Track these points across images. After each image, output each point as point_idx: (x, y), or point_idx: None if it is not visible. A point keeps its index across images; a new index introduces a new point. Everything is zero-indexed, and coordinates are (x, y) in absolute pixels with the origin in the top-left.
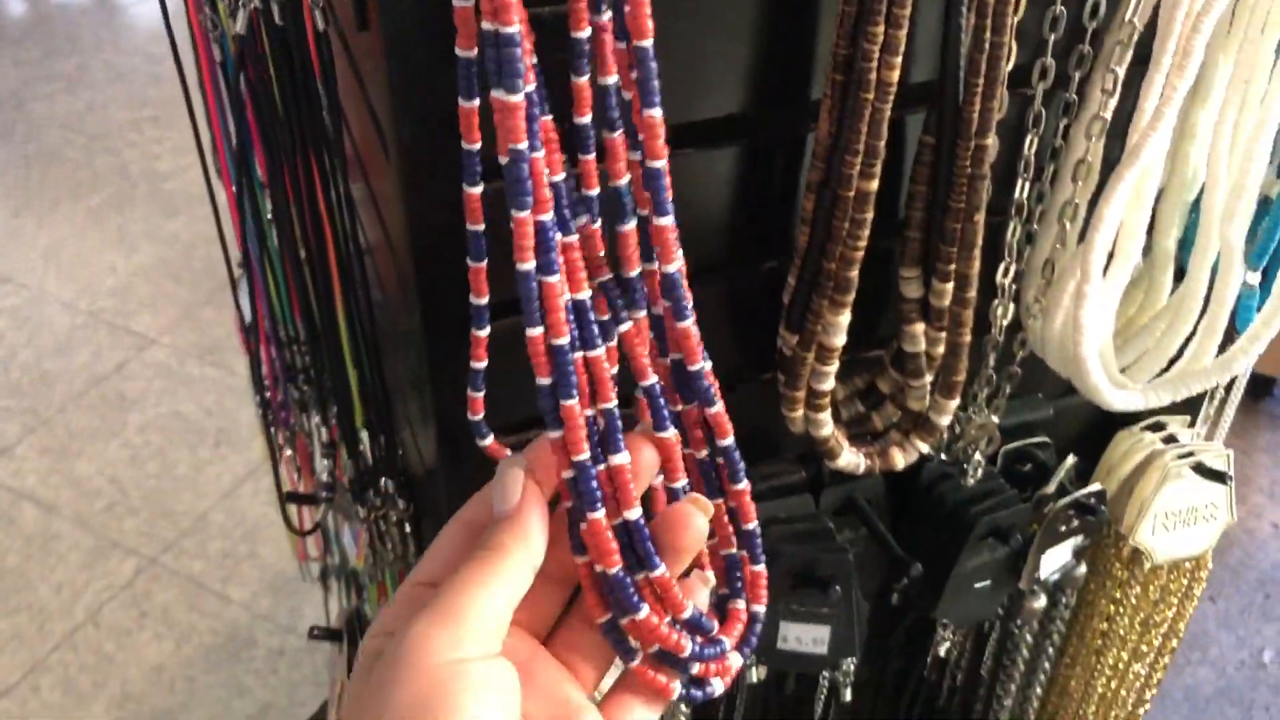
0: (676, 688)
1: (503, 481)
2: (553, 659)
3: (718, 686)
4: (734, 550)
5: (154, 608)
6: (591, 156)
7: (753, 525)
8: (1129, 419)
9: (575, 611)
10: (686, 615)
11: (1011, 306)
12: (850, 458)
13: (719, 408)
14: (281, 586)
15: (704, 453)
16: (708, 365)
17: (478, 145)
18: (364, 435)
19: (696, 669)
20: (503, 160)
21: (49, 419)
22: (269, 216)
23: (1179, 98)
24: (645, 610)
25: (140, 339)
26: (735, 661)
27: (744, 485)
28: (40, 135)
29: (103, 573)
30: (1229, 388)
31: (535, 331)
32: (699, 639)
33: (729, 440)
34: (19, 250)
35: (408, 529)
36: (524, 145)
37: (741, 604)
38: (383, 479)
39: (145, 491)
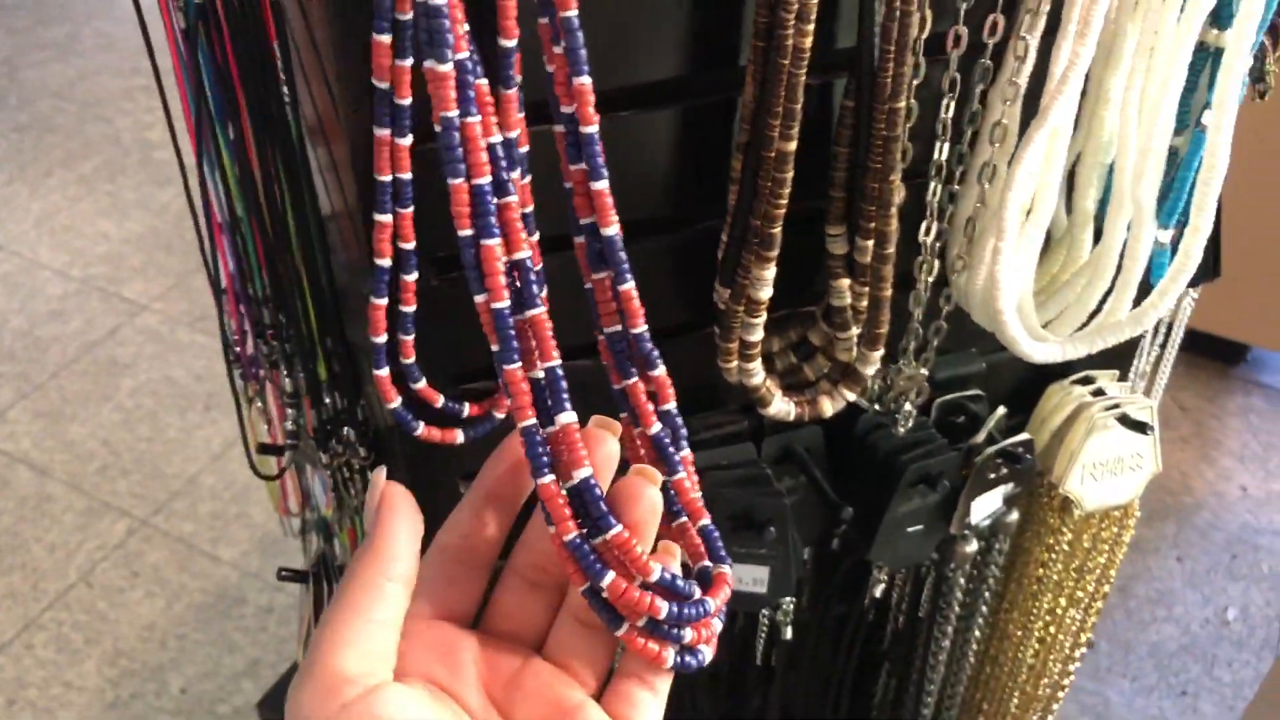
0: (670, 656)
1: (367, 503)
2: (547, 664)
3: (707, 654)
4: (707, 520)
5: (145, 567)
6: (522, 116)
7: (696, 495)
8: (1060, 373)
9: (565, 615)
10: (655, 578)
11: (937, 263)
12: (781, 405)
13: (661, 371)
14: (270, 546)
15: (655, 428)
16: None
17: (387, 85)
18: (327, 388)
19: (689, 636)
20: (437, 128)
21: (42, 384)
22: (236, 180)
23: (1082, 64)
24: (610, 575)
25: (132, 305)
26: (717, 626)
27: (687, 453)
28: (32, 104)
29: (95, 534)
30: (1164, 343)
31: (480, 297)
32: (677, 602)
33: (671, 405)
34: (12, 218)
35: (369, 476)
36: (454, 113)
37: (725, 568)
38: (345, 428)
39: (137, 454)
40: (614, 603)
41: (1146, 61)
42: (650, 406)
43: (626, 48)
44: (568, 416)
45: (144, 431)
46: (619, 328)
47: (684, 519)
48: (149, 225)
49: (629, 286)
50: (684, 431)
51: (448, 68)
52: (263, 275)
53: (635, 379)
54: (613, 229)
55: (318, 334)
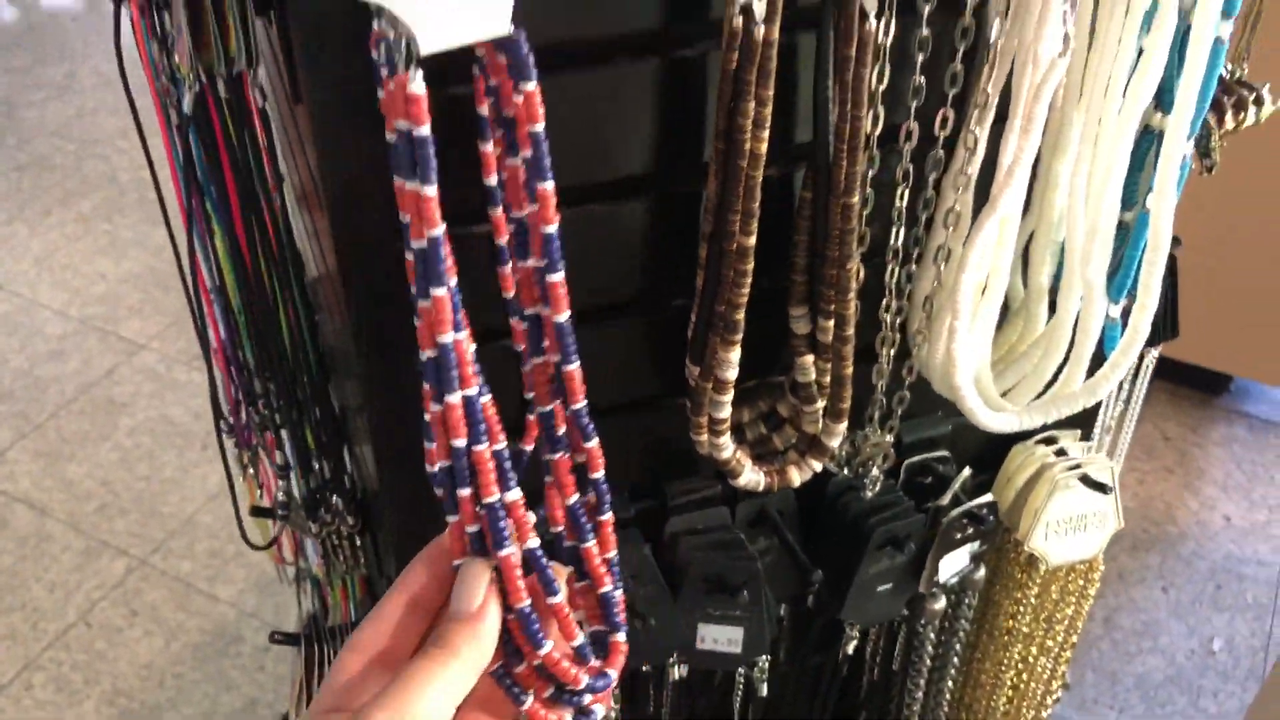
0: (567, 718)
1: (465, 583)
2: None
3: (599, 712)
4: (609, 588)
5: (144, 606)
6: (500, 210)
7: (612, 554)
8: (1024, 434)
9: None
10: (577, 644)
11: (898, 337)
12: (751, 476)
13: (595, 443)
14: (266, 585)
15: (573, 498)
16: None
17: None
18: (316, 456)
19: (587, 699)
20: (419, 245)
21: (41, 424)
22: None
23: (1027, 158)
24: (549, 645)
25: (130, 345)
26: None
27: (607, 517)
28: (31, 143)
29: (94, 573)
30: (1128, 398)
31: (455, 398)
32: (589, 671)
33: (600, 474)
34: (11, 257)
35: (358, 542)
36: (439, 231)
37: (621, 637)
38: (333, 497)
39: (135, 493)
40: (543, 674)
41: (1091, 149)
42: (572, 477)
43: (601, 146)
44: (514, 494)
45: (142, 470)
46: (554, 405)
47: (594, 580)
48: (146, 264)
49: (574, 367)
50: (608, 498)
51: (433, 190)
52: (251, 343)
53: (564, 453)
54: (563, 315)
55: (305, 402)
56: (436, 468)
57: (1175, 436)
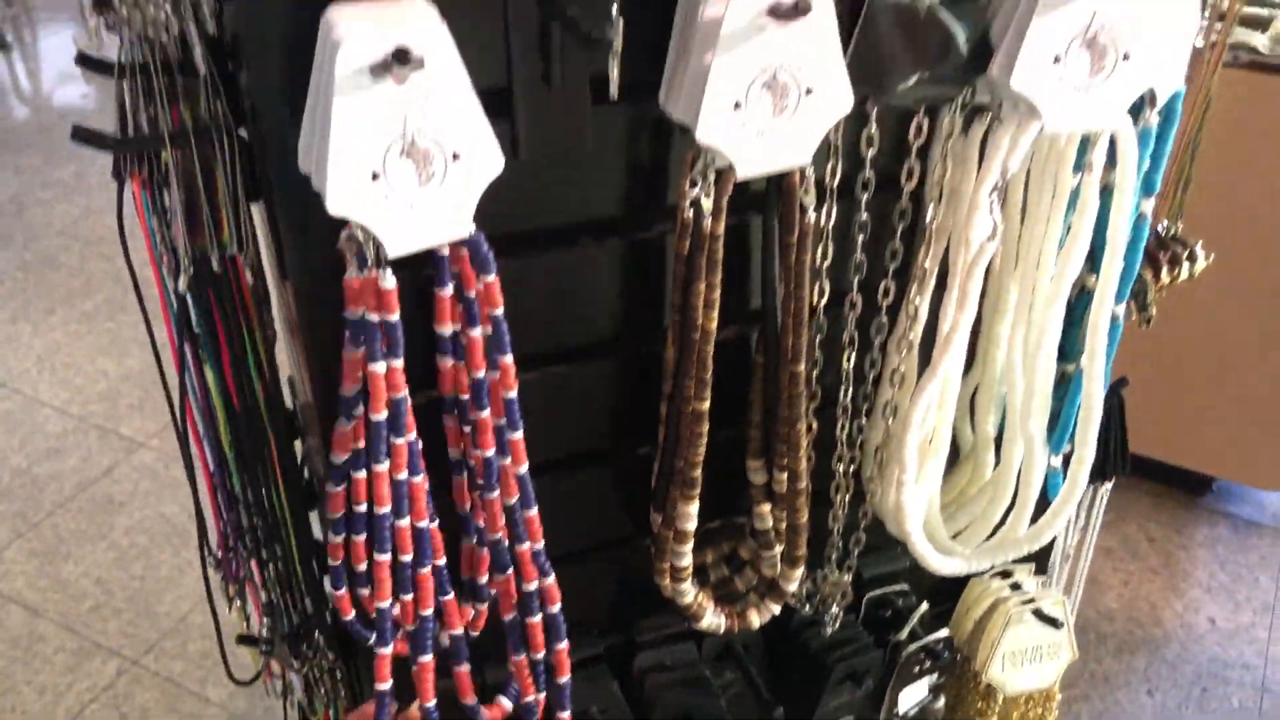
0: None
1: None
2: None
3: None
4: None
5: (134, 709)
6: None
7: (565, 679)
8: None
9: None
10: None
11: (853, 483)
12: (712, 619)
13: (552, 579)
14: (257, 687)
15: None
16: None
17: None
18: (297, 593)
19: None
20: (379, 417)
21: (38, 523)
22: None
23: (964, 327)
24: None
25: (129, 443)
26: None
27: (566, 679)
28: (38, 241)
29: (85, 674)
30: (1085, 526)
31: (384, 557)
32: None
33: (556, 608)
34: (14, 355)
35: (339, 675)
36: (403, 394)
37: None
38: (315, 633)
39: (129, 593)
40: None
41: (1027, 313)
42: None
43: (569, 315)
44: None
45: (137, 570)
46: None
47: None
48: (147, 361)
49: (533, 513)
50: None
51: (399, 364)
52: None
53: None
54: (523, 467)
55: (287, 539)
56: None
57: (1159, 538)
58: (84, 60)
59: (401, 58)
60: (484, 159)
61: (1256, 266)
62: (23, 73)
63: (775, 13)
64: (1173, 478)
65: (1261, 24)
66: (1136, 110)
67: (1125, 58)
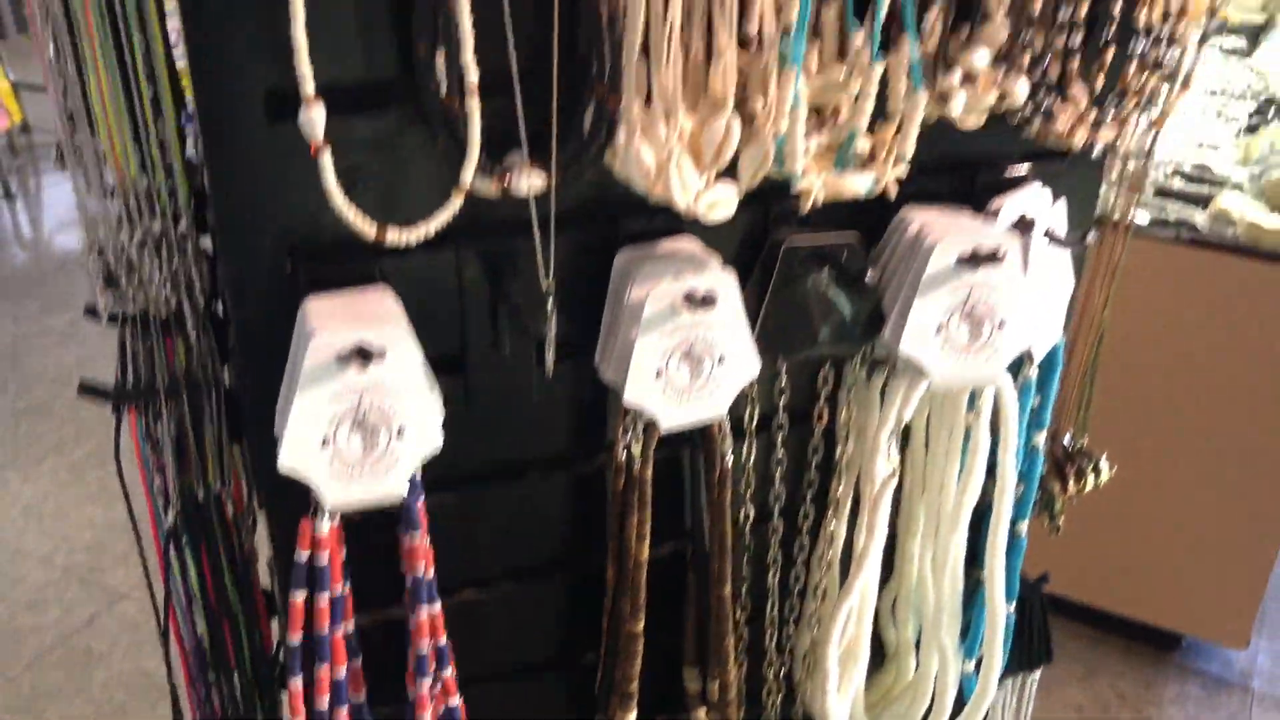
0: None
1: None
2: None
3: None
4: None
5: None
6: None
7: None
8: None
9: None
10: None
11: (784, 686)
12: None
13: None
14: None
15: None
16: None
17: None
18: None
19: None
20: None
21: (15, 677)
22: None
23: (875, 551)
24: None
25: (112, 594)
26: None
27: None
28: (31, 390)
29: None
30: (1016, 715)
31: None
32: None
33: None
34: (1, 505)
35: None
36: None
37: None
38: None
39: None
40: None
41: (934, 534)
42: None
43: (517, 538)
44: None
45: None
46: None
47: None
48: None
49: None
50: None
51: (342, 593)
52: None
53: None
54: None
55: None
56: None
57: (1130, 695)
58: (91, 312)
59: (364, 355)
60: (425, 436)
61: (1210, 426)
62: (25, 220)
63: (690, 300)
64: (1143, 634)
65: (1202, 200)
66: (1019, 365)
67: (1000, 326)
